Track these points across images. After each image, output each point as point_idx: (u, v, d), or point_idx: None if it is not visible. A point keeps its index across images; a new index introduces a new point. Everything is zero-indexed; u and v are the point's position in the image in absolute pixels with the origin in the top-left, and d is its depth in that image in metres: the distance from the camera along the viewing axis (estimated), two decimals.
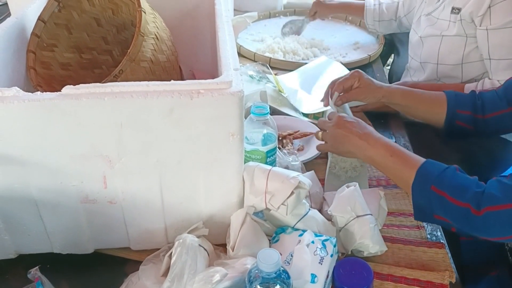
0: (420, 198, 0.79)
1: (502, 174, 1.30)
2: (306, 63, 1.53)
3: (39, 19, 0.97)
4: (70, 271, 0.82)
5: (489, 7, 1.15)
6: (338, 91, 1.10)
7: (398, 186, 0.88)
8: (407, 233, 0.91)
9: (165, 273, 0.73)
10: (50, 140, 0.70)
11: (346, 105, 1.13)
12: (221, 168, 0.76)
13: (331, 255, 0.76)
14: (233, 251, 0.77)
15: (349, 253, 0.84)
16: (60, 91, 0.67)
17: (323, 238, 0.79)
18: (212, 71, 1.19)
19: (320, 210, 0.90)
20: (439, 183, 0.76)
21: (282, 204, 0.79)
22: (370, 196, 0.90)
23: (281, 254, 0.70)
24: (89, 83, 0.68)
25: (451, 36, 1.26)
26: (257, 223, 0.81)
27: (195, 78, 1.22)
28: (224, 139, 0.73)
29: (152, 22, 0.92)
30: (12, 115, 0.67)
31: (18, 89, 0.68)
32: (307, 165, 1.05)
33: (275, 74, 1.43)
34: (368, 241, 0.81)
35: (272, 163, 0.96)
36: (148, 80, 0.69)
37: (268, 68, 1.48)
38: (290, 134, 1.16)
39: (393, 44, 2.05)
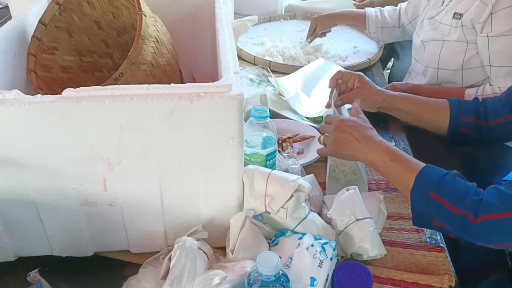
0: (418, 204, 0.79)
1: (503, 179, 1.31)
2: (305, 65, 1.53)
3: (40, 22, 0.98)
4: (69, 274, 0.82)
5: (491, 14, 1.15)
6: (337, 91, 1.10)
7: (399, 190, 0.88)
8: (407, 236, 0.91)
9: (165, 276, 0.73)
10: (50, 143, 0.70)
11: (345, 107, 1.13)
12: (220, 171, 0.76)
13: (331, 259, 0.76)
14: (232, 254, 0.77)
15: (349, 256, 0.84)
16: (61, 94, 0.67)
17: (323, 241, 0.79)
18: (212, 74, 1.19)
19: (319, 214, 0.90)
20: (438, 190, 0.77)
21: (282, 207, 0.79)
22: (369, 199, 0.91)
23: (280, 257, 0.70)
24: (89, 86, 0.68)
25: (452, 41, 1.26)
26: (257, 226, 0.81)
27: (195, 81, 1.23)
28: (224, 142, 0.73)
29: (153, 25, 0.92)
30: (13, 118, 0.67)
31: (19, 91, 0.68)
32: (307, 169, 1.05)
33: (275, 78, 1.43)
34: (368, 244, 0.81)
35: (272, 166, 0.96)
36: (148, 83, 0.70)
37: (268, 71, 1.48)
38: (290, 138, 1.16)
39: (393, 48, 2.05)
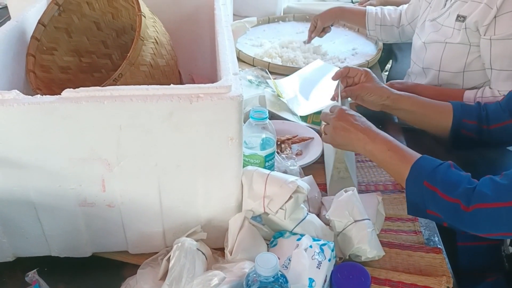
0: (413, 193, 0.81)
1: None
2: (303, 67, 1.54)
3: (39, 22, 0.98)
4: (68, 275, 0.82)
5: (495, 17, 1.15)
6: (343, 84, 1.10)
7: (395, 180, 0.89)
8: (405, 238, 0.91)
9: (163, 277, 0.73)
10: (49, 143, 0.70)
11: (347, 101, 1.13)
12: (219, 172, 0.76)
13: (329, 260, 0.76)
14: (231, 255, 0.77)
15: (347, 257, 0.84)
16: (60, 94, 0.67)
17: (321, 242, 0.79)
18: (211, 76, 1.19)
19: (318, 215, 0.91)
20: (432, 179, 0.78)
21: (281, 208, 0.79)
22: (368, 201, 0.91)
23: (279, 258, 0.70)
24: (88, 86, 0.68)
25: (454, 43, 1.26)
26: (255, 227, 0.81)
27: (194, 83, 1.23)
28: (223, 143, 0.73)
29: (152, 26, 0.92)
30: (12, 118, 0.67)
31: (18, 92, 0.68)
32: (305, 170, 1.06)
33: (274, 79, 1.43)
34: (366, 246, 0.81)
35: (271, 168, 0.96)
36: (147, 84, 0.70)
37: (267, 73, 1.48)
38: (288, 139, 1.16)
39: (391, 50, 2.05)
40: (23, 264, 0.82)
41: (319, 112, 1.27)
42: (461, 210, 0.74)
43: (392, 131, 1.25)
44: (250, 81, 1.42)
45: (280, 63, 1.62)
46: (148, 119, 0.69)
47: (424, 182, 0.79)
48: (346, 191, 0.87)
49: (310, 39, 1.76)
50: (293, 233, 0.82)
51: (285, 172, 0.97)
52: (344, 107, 0.97)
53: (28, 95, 0.68)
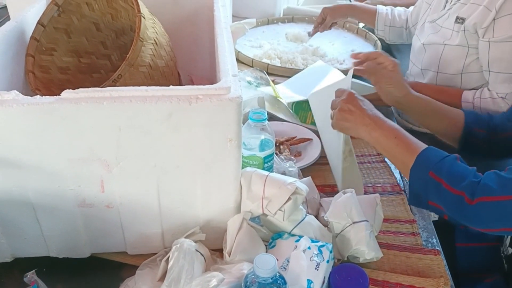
0: (417, 183, 0.80)
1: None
2: (303, 69, 1.53)
3: (38, 23, 0.98)
4: (66, 275, 0.82)
5: (494, 19, 1.15)
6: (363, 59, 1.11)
7: (398, 169, 0.89)
8: (403, 239, 0.91)
9: (162, 278, 0.73)
10: (48, 144, 0.70)
11: (359, 82, 1.10)
12: (218, 173, 0.76)
13: (327, 261, 0.76)
14: (229, 256, 0.77)
15: (345, 259, 0.85)
16: (59, 95, 0.68)
17: (320, 244, 0.79)
18: (210, 77, 1.20)
19: (316, 216, 0.91)
20: (438, 170, 0.77)
21: (279, 209, 0.79)
22: (366, 202, 0.91)
23: (277, 260, 0.70)
24: (87, 87, 0.68)
25: (453, 45, 1.26)
26: (254, 228, 0.81)
27: (193, 84, 1.23)
28: (222, 144, 0.73)
29: (151, 27, 0.92)
30: (11, 119, 0.67)
31: (17, 92, 0.68)
32: (304, 171, 1.06)
33: (273, 81, 1.43)
34: (364, 247, 0.82)
35: (269, 169, 0.96)
36: (147, 85, 0.70)
37: (265, 75, 1.48)
38: (287, 140, 1.17)
39: (389, 51, 2.05)
40: (21, 264, 0.82)
41: (305, 101, 1.27)
42: (465, 203, 0.74)
43: None
44: (249, 82, 1.42)
45: (279, 64, 1.62)
46: (147, 120, 0.69)
47: (429, 172, 0.78)
48: (344, 193, 0.87)
49: (315, 31, 1.76)
50: (291, 235, 0.82)
51: (283, 173, 0.97)
52: (353, 91, 0.95)
53: (27, 95, 0.68)
